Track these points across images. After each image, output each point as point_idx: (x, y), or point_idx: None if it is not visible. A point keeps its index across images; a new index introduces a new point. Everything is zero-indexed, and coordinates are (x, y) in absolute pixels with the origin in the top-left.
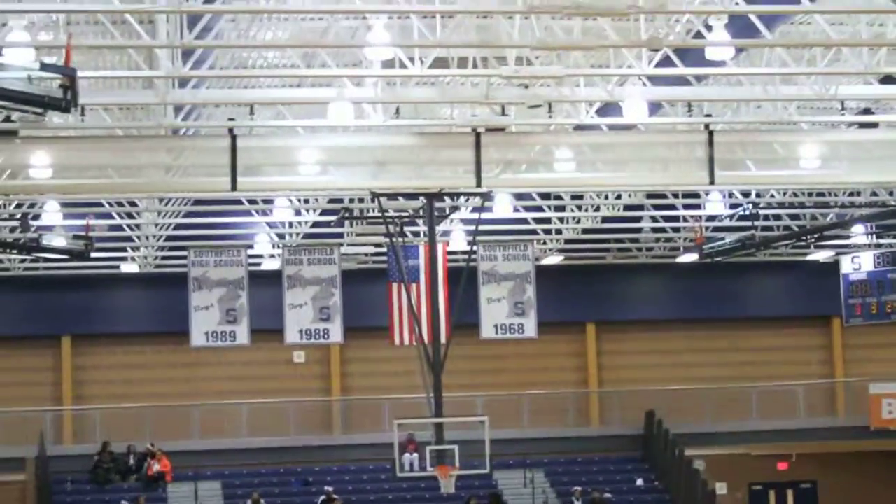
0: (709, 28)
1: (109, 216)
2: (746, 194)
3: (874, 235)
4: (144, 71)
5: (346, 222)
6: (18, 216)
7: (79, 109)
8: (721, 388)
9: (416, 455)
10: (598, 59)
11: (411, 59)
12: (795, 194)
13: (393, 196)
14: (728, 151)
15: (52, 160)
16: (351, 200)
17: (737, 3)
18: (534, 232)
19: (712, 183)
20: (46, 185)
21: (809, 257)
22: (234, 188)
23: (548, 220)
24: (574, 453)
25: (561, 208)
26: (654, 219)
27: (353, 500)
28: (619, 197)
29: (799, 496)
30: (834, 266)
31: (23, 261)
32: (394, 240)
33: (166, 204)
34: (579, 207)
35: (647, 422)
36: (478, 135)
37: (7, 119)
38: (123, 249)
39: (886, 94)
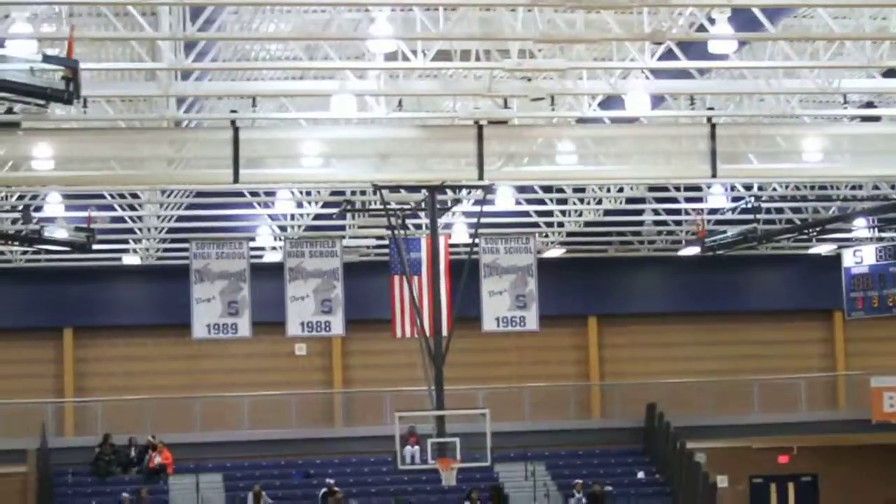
0: (712, 21)
1: (111, 208)
2: (748, 187)
3: (876, 229)
4: (147, 63)
5: (348, 215)
6: (20, 208)
7: (81, 101)
8: (722, 381)
9: (417, 447)
10: (601, 52)
11: (414, 52)
12: (797, 188)
13: (395, 188)
14: (730, 145)
15: (55, 152)
16: (353, 193)
17: None
18: (536, 225)
19: (714, 176)
20: (48, 176)
21: (811, 251)
22: (236, 180)
23: (550, 213)
24: (575, 446)
25: (563, 201)
26: (656, 212)
27: (355, 492)
28: (621, 190)
29: (800, 489)
30: (836, 259)
31: (24, 252)
32: (396, 232)
33: (168, 196)
34: (581, 200)
35: (649, 415)
36: (480, 127)
37: (9, 111)
38: (125, 241)
39: (889, 87)
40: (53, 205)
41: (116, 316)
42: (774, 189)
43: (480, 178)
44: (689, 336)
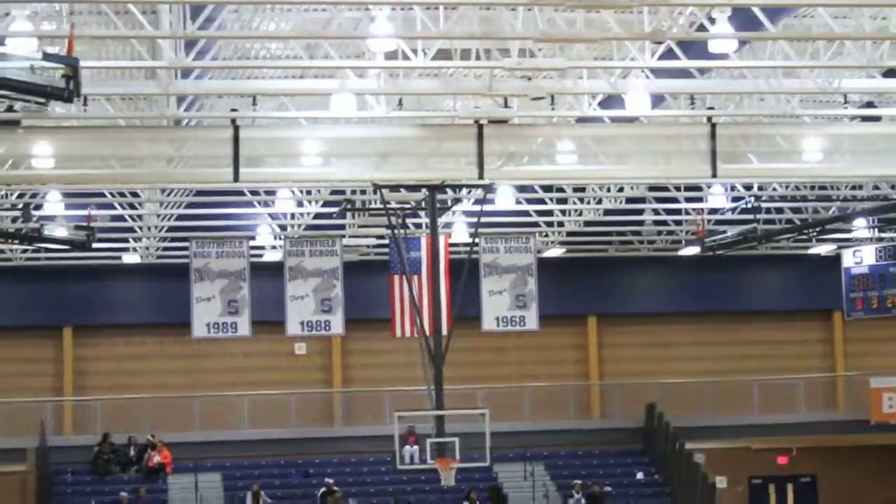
0: (712, 21)
1: (111, 206)
2: (748, 187)
3: (876, 229)
4: (147, 61)
5: (348, 214)
6: (20, 206)
7: (81, 99)
8: (722, 381)
9: (416, 447)
10: (601, 52)
11: (414, 51)
12: (797, 188)
13: (395, 188)
14: (730, 144)
15: (55, 150)
16: (353, 192)
17: None
18: (535, 224)
19: (714, 176)
20: (48, 175)
21: (811, 251)
22: (236, 179)
23: (550, 213)
24: (574, 446)
25: (563, 201)
26: (656, 212)
27: (354, 492)
28: (621, 189)
29: (799, 490)
30: (835, 260)
31: (24, 251)
32: (396, 231)
33: (168, 194)
34: (581, 200)
35: (648, 415)
36: (480, 127)
37: (10, 109)
38: (125, 240)
39: (889, 87)
40: (53, 203)
41: (116, 315)
42: (774, 189)
43: (480, 177)
44: (688, 336)
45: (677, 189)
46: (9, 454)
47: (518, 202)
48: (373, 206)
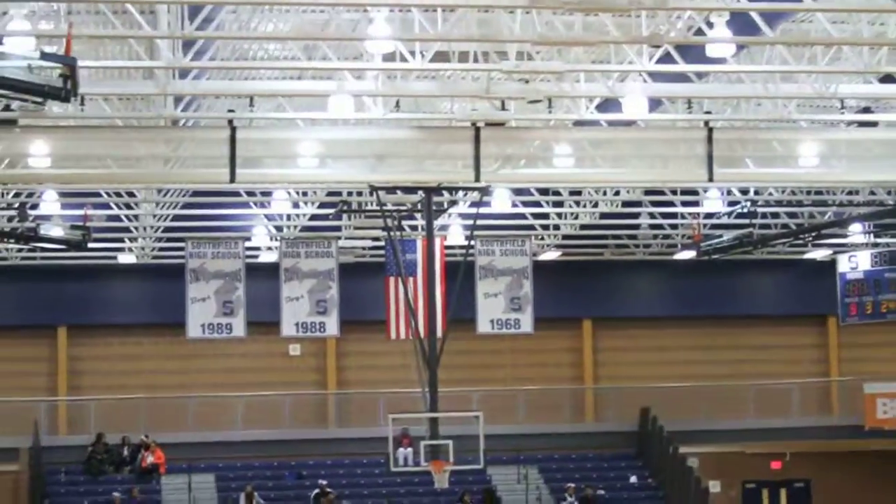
0: (710, 25)
1: (107, 206)
2: (745, 192)
3: (871, 234)
4: (145, 61)
5: (345, 215)
6: (16, 205)
7: (78, 99)
8: (716, 385)
9: (410, 449)
10: (599, 55)
11: (412, 53)
12: (794, 192)
13: (391, 190)
14: (727, 149)
15: (51, 150)
16: (349, 194)
17: (738, 0)
18: (531, 227)
19: (711, 180)
20: (45, 174)
21: (806, 256)
22: (232, 180)
23: (546, 216)
24: (568, 449)
25: (559, 204)
26: (652, 215)
27: (347, 493)
28: (617, 193)
29: (792, 495)
30: (831, 265)
31: (20, 250)
32: (392, 234)
33: (164, 195)
34: (577, 203)
35: (642, 419)
36: (477, 129)
37: (6, 108)
38: (121, 240)
39: (886, 93)
40: (49, 203)
41: (111, 315)
42: (771, 194)
43: (477, 179)
44: (683, 340)
45: (673, 193)
46: (2, 454)
47: (514, 205)
48: (369, 207)
